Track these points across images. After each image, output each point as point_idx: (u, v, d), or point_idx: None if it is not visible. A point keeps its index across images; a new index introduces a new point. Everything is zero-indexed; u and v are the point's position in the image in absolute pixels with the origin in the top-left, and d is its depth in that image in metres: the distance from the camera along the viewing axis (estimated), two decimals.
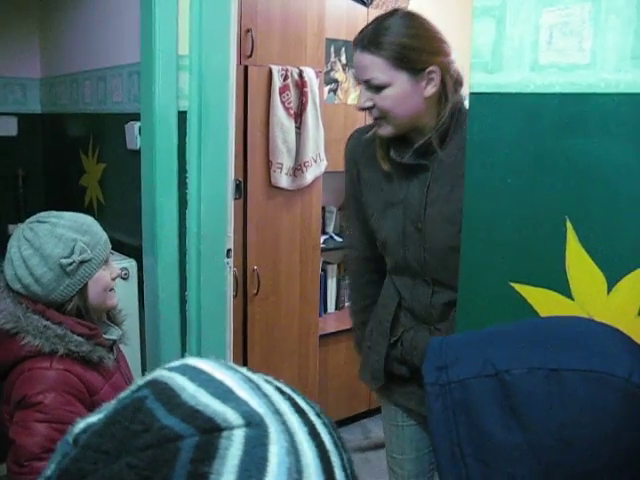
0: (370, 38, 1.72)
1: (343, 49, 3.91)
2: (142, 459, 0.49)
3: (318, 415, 0.58)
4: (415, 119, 1.75)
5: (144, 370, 2.82)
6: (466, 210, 1.37)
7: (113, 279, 1.81)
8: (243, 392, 0.54)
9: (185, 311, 2.68)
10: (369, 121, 4.08)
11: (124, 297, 2.23)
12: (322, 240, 3.88)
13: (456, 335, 0.85)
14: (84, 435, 0.53)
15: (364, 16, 3.97)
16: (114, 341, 1.83)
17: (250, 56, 3.27)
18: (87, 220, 1.77)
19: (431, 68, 1.69)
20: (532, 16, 1.21)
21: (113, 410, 0.54)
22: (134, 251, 2.85)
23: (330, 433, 0.57)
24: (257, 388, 0.56)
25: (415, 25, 1.72)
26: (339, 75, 3.92)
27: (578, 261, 1.19)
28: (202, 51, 2.52)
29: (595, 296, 1.17)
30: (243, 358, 3.44)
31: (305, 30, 3.50)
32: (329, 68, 3.85)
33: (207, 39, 2.52)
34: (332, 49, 3.84)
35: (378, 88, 1.72)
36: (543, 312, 1.24)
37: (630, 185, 1.13)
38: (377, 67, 1.71)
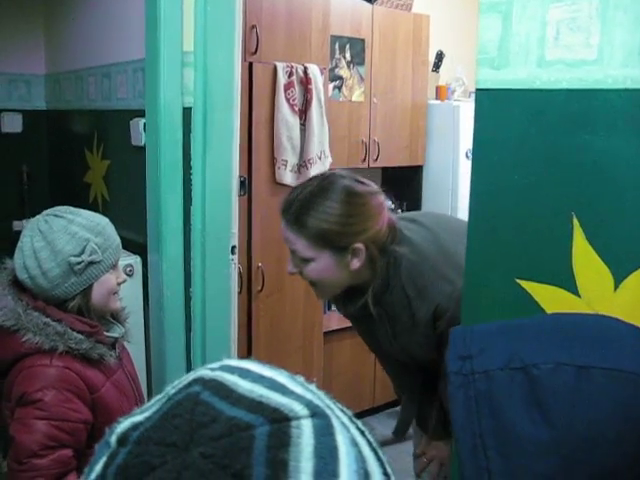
0: (295, 215, 1.65)
1: (348, 46, 3.90)
2: (217, 448, 0.48)
3: (354, 416, 0.59)
4: (348, 283, 1.73)
5: (149, 367, 2.82)
6: (472, 207, 1.36)
7: (119, 284, 1.81)
8: (296, 388, 0.55)
9: (190, 308, 2.69)
10: (373, 116, 4.08)
11: (129, 294, 2.24)
12: None
13: (480, 325, 0.83)
14: (135, 432, 0.52)
15: (369, 13, 3.97)
16: (116, 339, 1.83)
17: (255, 53, 3.27)
18: (103, 222, 1.76)
19: (355, 245, 1.64)
20: (539, 12, 1.21)
21: (167, 406, 0.53)
22: (139, 248, 2.85)
23: (369, 433, 0.58)
24: (304, 385, 0.57)
25: (341, 210, 1.63)
26: (344, 72, 3.92)
27: (585, 258, 1.18)
28: (207, 48, 2.52)
29: (602, 293, 1.16)
30: (247, 355, 3.44)
31: (310, 27, 3.50)
32: (334, 65, 3.84)
33: (212, 35, 2.52)
34: (337, 46, 3.84)
35: (302, 260, 1.69)
36: (549, 309, 1.23)
37: (637, 181, 1.12)
38: (299, 244, 1.67)
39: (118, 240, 1.79)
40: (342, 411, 0.57)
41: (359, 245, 1.64)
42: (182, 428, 0.50)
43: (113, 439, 0.52)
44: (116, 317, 1.89)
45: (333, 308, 4.15)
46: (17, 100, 3.99)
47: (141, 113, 2.76)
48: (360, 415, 4.14)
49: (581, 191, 1.19)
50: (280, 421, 0.51)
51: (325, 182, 1.68)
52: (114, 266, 1.78)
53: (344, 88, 3.94)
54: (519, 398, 0.72)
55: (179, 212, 2.61)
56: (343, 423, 0.54)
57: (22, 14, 3.89)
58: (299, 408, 0.52)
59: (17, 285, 1.71)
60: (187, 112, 2.56)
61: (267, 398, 0.52)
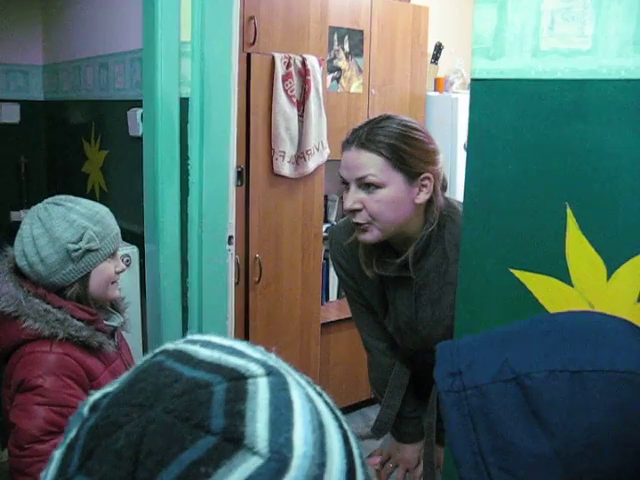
0: (367, 136, 1.62)
1: (346, 37, 3.90)
2: (178, 404, 0.52)
3: (314, 382, 0.63)
4: (402, 225, 1.67)
5: None
6: (466, 196, 1.37)
7: (117, 273, 1.82)
8: (254, 353, 0.60)
9: (186, 298, 2.69)
10: (372, 108, 4.07)
11: (126, 284, 2.24)
12: (324, 228, 3.87)
13: (466, 338, 0.81)
14: (105, 399, 0.56)
15: (367, 4, 3.96)
16: (115, 328, 1.84)
17: (253, 44, 3.27)
18: (102, 210, 1.78)
19: (426, 174, 1.63)
20: (534, 2, 1.21)
21: (133, 374, 0.57)
22: (136, 238, 2.86)
23: (329, 397, 0.62)
24: (262, 352, 0.61)
25: (410, 134, 1.64)
26: (342, 63, 3.91)
27: (578, 247, 1.18)
28: (204, 38, 2.52)
29: (595, 282, 1.17)
30: None
31: (308, 18, 3.49)
32: (332, 56, 3.83)
33: (210, 26, 2.52)
34: (335, 37, 3.83)
35: (371, 188, 1.62)
36: (543, 299, 1.24)
37: (630, 172, 1.12)
38: (375, 164, 1.60)
39: (117, 229, 1.80)
40: (300, 376, 0.61)
41: (429, 175, 1.64)
42: (147, 390, 0.54)
43: (86, 409, 0.56)
44: (115, 306, 1.91)
45: (331, 299, 4.17)
46: (15, 90, 3.99)
47: (138, 103, 2.76)
48: (357, 406, 4.15)
49: (575, 181, 1.19)
50: (237, 379, 0.54)
51: (386, 117, 1.69)
52: (112, 255, 1.79)
53: (342, 79, 3.94)
54: (515, 411, 0.70)
55: (176, 202, 2.61)
56: (299, 382, 0.58)
57: (20, 4, 3.88)
58: (255, 368, 0.56)
59: (18, 272, 1.73)
60: (184, 102, 2.56)
61: (225, 361, 0.56)
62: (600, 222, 1.16)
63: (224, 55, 2.58)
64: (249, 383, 0.54)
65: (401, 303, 1.79)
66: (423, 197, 1.65)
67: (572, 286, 1.20)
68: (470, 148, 1.35)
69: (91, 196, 3.38)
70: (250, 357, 0.58)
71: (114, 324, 1.83)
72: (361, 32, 3.96)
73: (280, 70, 3.34)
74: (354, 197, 1.63)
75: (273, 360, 0.60)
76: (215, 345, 0.59)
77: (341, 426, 0.58)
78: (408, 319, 1.80)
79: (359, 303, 1.96)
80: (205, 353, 0.58)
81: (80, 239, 1.70)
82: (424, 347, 1.82)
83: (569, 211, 1.19)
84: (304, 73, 3.43)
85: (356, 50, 3.96)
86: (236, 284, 3.03)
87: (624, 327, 0.78)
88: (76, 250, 1.69)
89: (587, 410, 0.68)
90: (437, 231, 1.69)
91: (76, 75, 3.58)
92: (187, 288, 2.68)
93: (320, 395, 0.60)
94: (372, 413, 4.08)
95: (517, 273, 1.27)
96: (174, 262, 2.65)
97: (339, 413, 0.60)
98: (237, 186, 2.85)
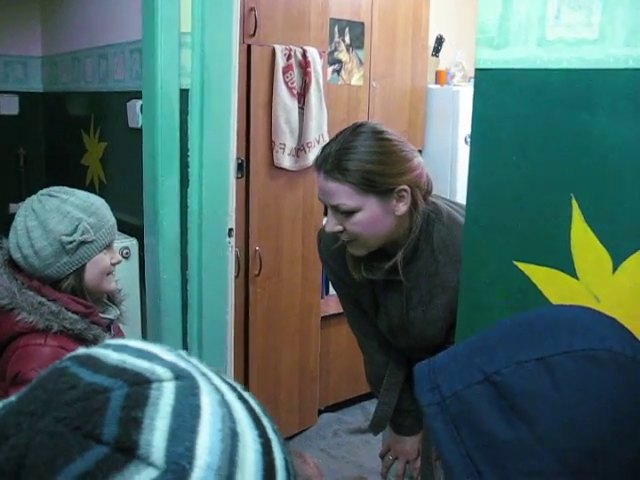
0: (334, 163, 1.60)
1: (347, 29, 3.88)
2: (70, 411, 0.49)
3: (243, 389, 0.59)
4: (387, 236, 1.68)
5: None
6: (470, 188, 1.35)
7: (113, 264, 1.80)
8: (169, 357, 0.56)
9: (186, 291, 2.68)
10: (372, 100, 4.05)
11: (125, 276, 2.23)
12: (324, 221, 3.86)
13: (440, 355, 0.85)
14: (3, 410, 0.53)
15: None
16: (111, 320, 1.82)
17: (253, 35, 3.24)
18: (97, 202, 1.76)
19: (401, 187, 1.61)
20: None
21: (35, 381, 0.55)
22: (135, 230, 2.85)
23: (258, 403, 0.58)
24: (182, 356, 0.57)
25: (380, 149, 1.62)
26: (343, 55, 3.89)
27: (583, 240, 1.17)
28: (205, 29, 2.50)
29: (600, 275, 1.15)
30: (244, 339, 3.43)
31: (309, 10, 3.46)
32: (333, 48, 3.81)
33: (210, 16, 2.50)
34: (336, 29, 3.81)
35: (347, 213, 1.63)
36: (547, 291, 1.22)
37: (637, 163, 1.11)
38: (344, 194, 1.60)
39: (113, 220, 1.78)
40: (224, 381, 0.57)
41: (404, 187, 1.62)
42: (41, 397, 0.51)
43: None
44: (112, 299, 1.89)
45: (331, 292, 4.15)
46: (14, 82, 3.98)
47: (138, 95, 2.75)
48: (357, 399, 4.14)
49: (580, 172, 1.18)
50: (140, 384, 0.51)
51: (356, 128, 1.67)
52: (108, 246, 1.77)
53: (343, 72, 3.92)
54: (492, 408, 0.74)
55: (176, 194, 2.60)
56: (215, 386, 0.54)
57: None
58: (162, 371, 0.53)
59: (12, 264, 1.71)
60: (184, 94, 2.54)
61: (131, 364, 0.53)
62: (606, 214, 1.15)
63: (224, 46, 2.56)
64: (152, 388, 0.51)
65: (392, 305, 1.79)
66: (403, 208, 1.64)
67: (577, 279, 1.18)
68: (474, 139, 1.34)
69: (90, 188, 3.37)
70: (160, 360, 0.54)
71: (110, 317, 1.82)
72: (362, 24, 3.94)
73: (281, 62, 3.31)
74: (333, 221, 1.66)
75: (191, 364, 0.56)
76: (129, 349, 0.56)
77: (262, 435, 0.54)
78: (399, 320, 1.80)
79: (351, 304, 1.97)
80: (113, 357, 0.54)
81: (74, 231, 1.68)
82: (417, 346, 1.83)
83: (574, 203, 1.18)
84: (305, 65, 3.41)
85: (357, 42, 3.94)
86: (236, 277, 3.02)
87: (583, 312, 0.83)
88: (70, 242, 1.67)
89: (556, 391, 0.71)
90: (425, 233, 1.68)
91: (75, 66, 3.57)
92: (187, 281, 2.67)
93: (245, 402, 0.56)
94: (372, 407, 4.04)
95: (521, 266, 1.26)
96: (174, 255, 2.64)
97: (266, 421, 0.56)
98: (237, 178, 2.83)
